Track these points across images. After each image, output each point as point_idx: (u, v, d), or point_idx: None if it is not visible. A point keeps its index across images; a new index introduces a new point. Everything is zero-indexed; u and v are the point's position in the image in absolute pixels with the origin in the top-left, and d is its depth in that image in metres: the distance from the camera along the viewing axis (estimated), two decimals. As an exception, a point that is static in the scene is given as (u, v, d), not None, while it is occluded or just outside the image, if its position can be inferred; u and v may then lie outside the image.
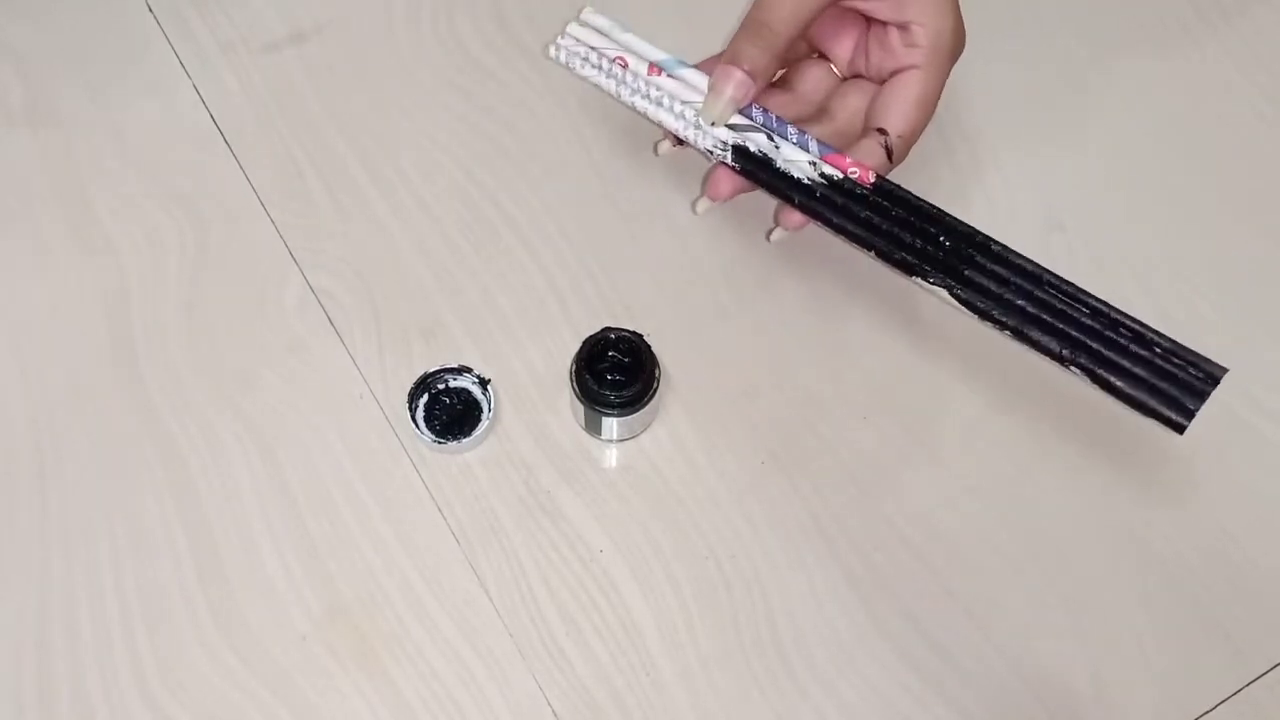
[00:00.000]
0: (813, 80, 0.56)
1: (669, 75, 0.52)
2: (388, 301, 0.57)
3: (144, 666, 0.51)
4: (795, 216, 0.53)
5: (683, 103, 0.52)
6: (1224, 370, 0.47)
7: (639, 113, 0.53)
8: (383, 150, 0.60)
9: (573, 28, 0.54)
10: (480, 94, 0.61)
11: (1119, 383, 0.47)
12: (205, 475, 0.54)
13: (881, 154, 0.52)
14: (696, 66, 0.53)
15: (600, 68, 0.53)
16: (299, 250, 0.58)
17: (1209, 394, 0.46)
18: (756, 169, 0.51)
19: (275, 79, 0.61)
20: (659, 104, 0.52)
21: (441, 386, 0.55)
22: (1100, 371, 0.47)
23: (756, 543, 0.54)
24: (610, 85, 0.53)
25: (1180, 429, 0.47)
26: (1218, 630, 0.53)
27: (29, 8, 0.62)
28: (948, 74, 0.53)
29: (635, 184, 0.59)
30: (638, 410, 0.52)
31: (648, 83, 0.52)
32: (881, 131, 0.52)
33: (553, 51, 0.54)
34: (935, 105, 0.53)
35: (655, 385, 0.52)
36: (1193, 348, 0.47)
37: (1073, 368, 0.47)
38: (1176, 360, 0.47)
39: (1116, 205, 0.60)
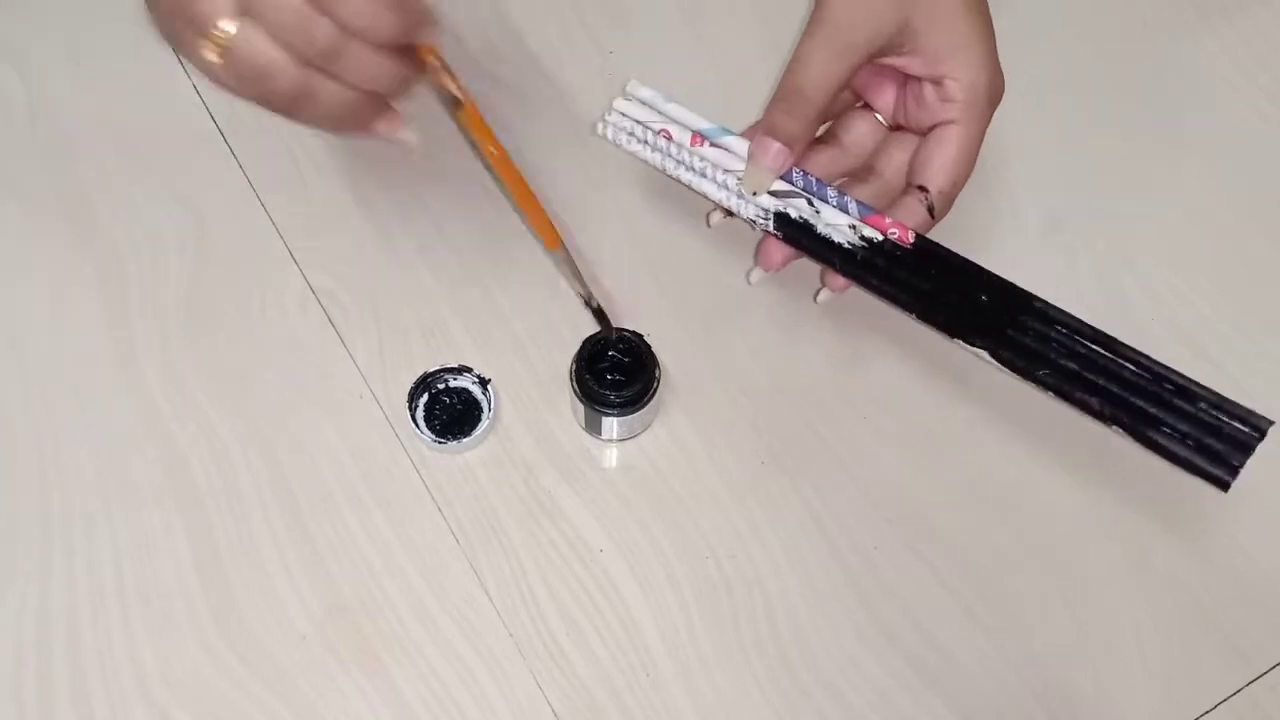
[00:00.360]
0: (858, 132, 0.55)
1: (712, 144, 0.52)
2: (388, 301, 0.57)
3: (144, 666, 0.51)
4: (839, 279, 0.53)
5: (725, 171, 0.52)
6: (1270, 423, 0.46)
7: (684, 184, 0.53)
8: (383, 149, 0.59)
9: (619, 102, 0.54)
10: (480, 95, 0.61)
11: (1161, 441, 0.46)
12: (205, 475, 0.54)
13: (923, 212, 0.52)
14: (742, 134, 0.53)
15: (646, 142, 0.53)
16: (299, 250, 0.58)
17: (1254, 448, 0.45)
18: (799, 235, 0.51)
19: (275, 79, 0.61)
20: (702, 175, 0.52)
21: (441, 386, 0.55)
22: (1143, 430, 0.47)
23: (756, 543, 0.54)
24: (656, 159, 0.53)
25: (1225, 486, 0.46)
26: (1218, 630, 0.53)
27: (29, 8, 0.62)
28: (987, 124, 0.52)
29: (635, 183, 0.59)
30: (638, 410, 0.52)
31: (691, 153, 0.52)
32: (922, 189, 0.52)
33: (600, 129, 0.54)
34: (975, 157, 0.52)
35: (655, 385, 0.52)
36: (1237, 400, 0.46)
37: (1114, 426, 0.47)
38: (1221, 414, 0.46)
39: (1116, 205, 0.60)
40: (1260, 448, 0.55)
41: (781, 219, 0.52)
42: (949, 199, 0.52)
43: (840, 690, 0.51)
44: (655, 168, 0.53)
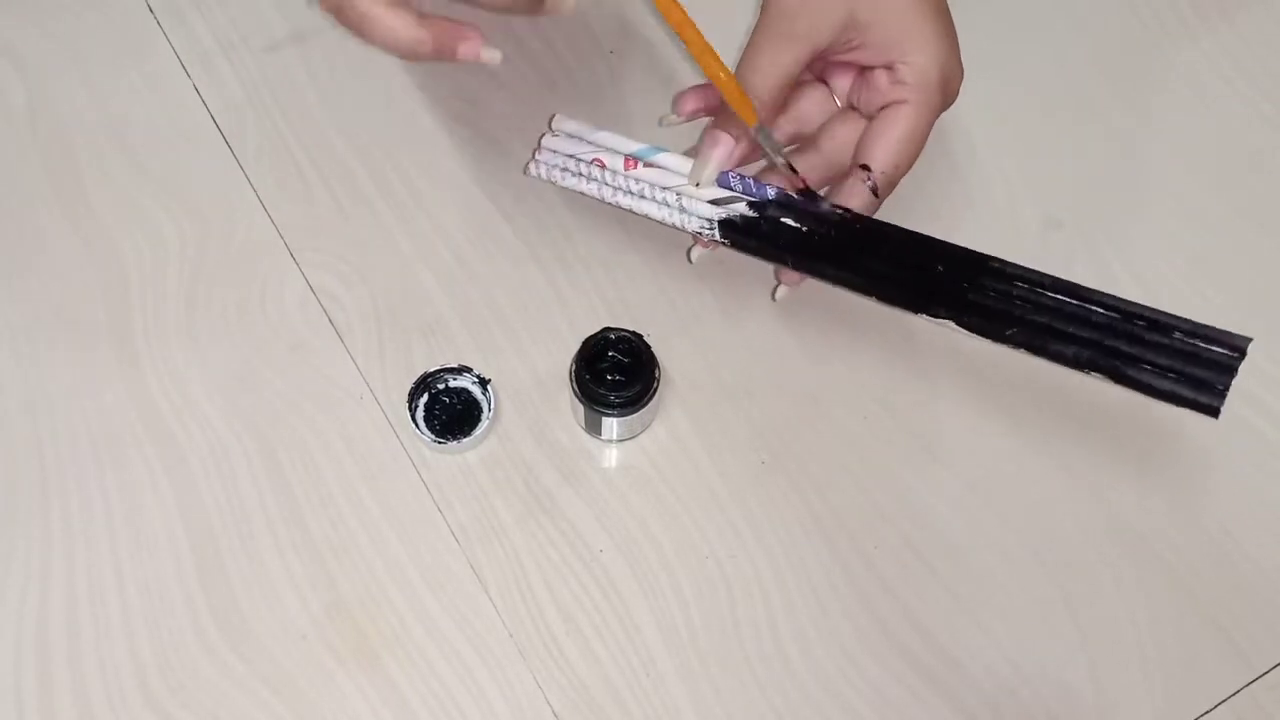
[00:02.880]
0: (808, 102, 0.55)
1: (646, 164, 0.52)
2: (388, 301, 0.57)
3: (145, 666, 0.51)
4: (793, 274, 0.53)
5: (664, 189, 0.52)
6: (1248, 340, 0.45)
7: (625, 210, 0.53)
8: (383, 149, 0.60)
9: (547, 139, 0.55)
10: (481, 94, 0.61)
11: (1142, 378, 0.46)
12: (206, 475, 0.54)
13: (866, 192, 0.52)
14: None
15: (580, 174, 0.53)
16: (299, 250, 0.58)
17: (1236, 369, 0.45)
18: (745, 239, 0.52)
19: (276, 78, 0.61)
20: (641, 196, 0.52)
21: (441, 386, 0.55)
22: (1122, 370, 0.46)
23: (756, 543, 0.54)
24: (593, 189, 0.53)
25: (1214, 412, 0.45)
26: (1218, 630, 0.53)
27: (29, 8, 0.62)
28: (938, 110, 0.52)
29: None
30: (638, 410, 0.52)
31: (627, 177, 0.52)
32: (865, 168, 0.52)
33: (532, 169, 0.55)
34: (923, 141, 0.52)
35: (655, 385, 0.52)
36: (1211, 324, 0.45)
37: (1092, 372, 0.47)
38: (1198, 341, 0.45)
39: (1116, 204, 0.60)
40: (1261, 448, 0.55)
41: (726, 225, 0.52)
42: (892, 180, 0.52)
43: (840, 690, 0.51)
44: (593, 198, 0.53)
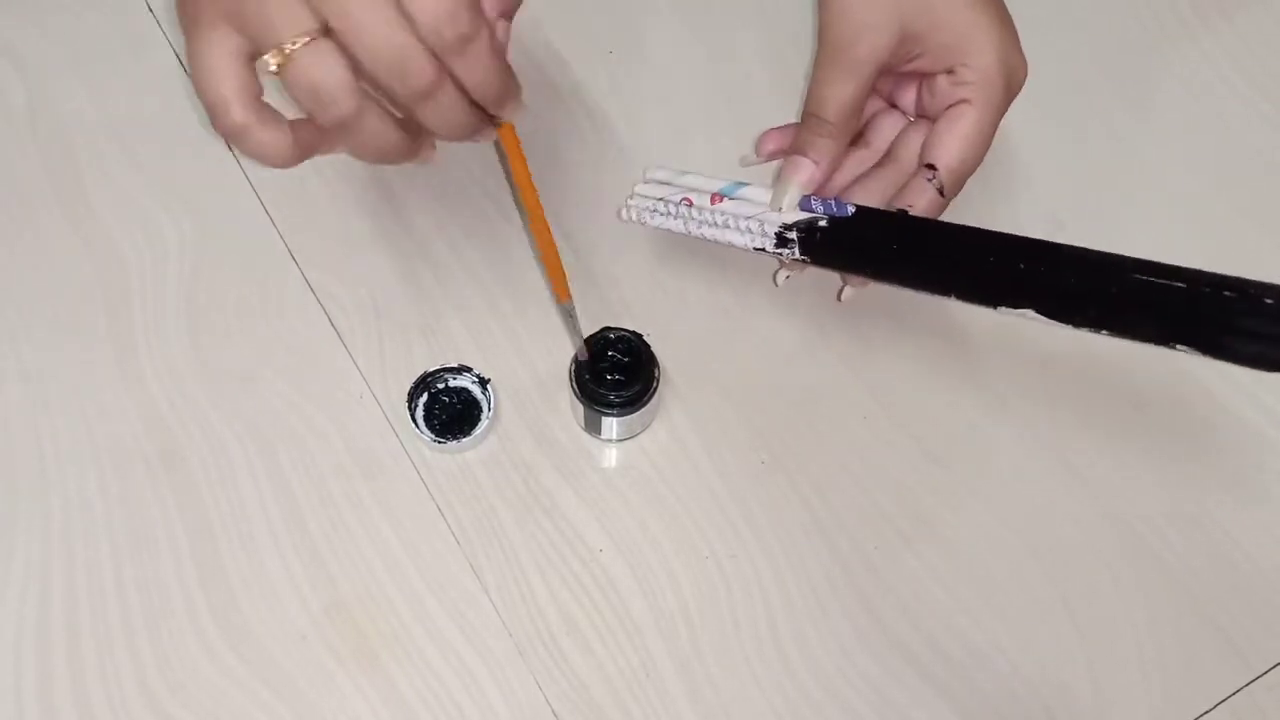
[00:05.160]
0: (885, 131, 0.56)
1: (730, 199, 0.53)
2: (388, 301, 0.57)
3: (144, 666, 0.51)
4: (859, 277, 0.53)
5: (746, 218, 0.52)
6: None
7: (711, 242, 0.54)
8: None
9: (639, 187, 0.56)
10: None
11: (1235, 345, 0.44)
12: (206, 474, 0.54)
13: (932, 191, 0.51)
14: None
15: (669, 214, 0.54)
16: (299, 250, 0.58)
17: None
18: (826, 255, 0.51)
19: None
20: (725, 227, 0.53)
21: (441, 386, 0.55)
22: (1212, 339, 0.44)
23: (756, 543, 0.54)
24: (680, 225, 0.54)
25: None
26: (1218, 630, 0.53)
27: (29, 8, 0.62)
28: (1002, 107, 0.52)
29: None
30: (638, 410, 0.52)
31: (713, 212, 0.53)
32: (930, 168, 0.51)
33: (624, 214, 0.56)
34: (989, 138, 0.52)
35: (655, 385, 0.52)
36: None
37: (1180, 346, 0.45)
38: None
39: (1116, 204, 0.60)
40: (1262, 448, 0.55)
41: (807, 244, 0.51)
42: (958, 178, 0.52)
43: (840, 690, 0.52)
44: (679, 233, 0.54)
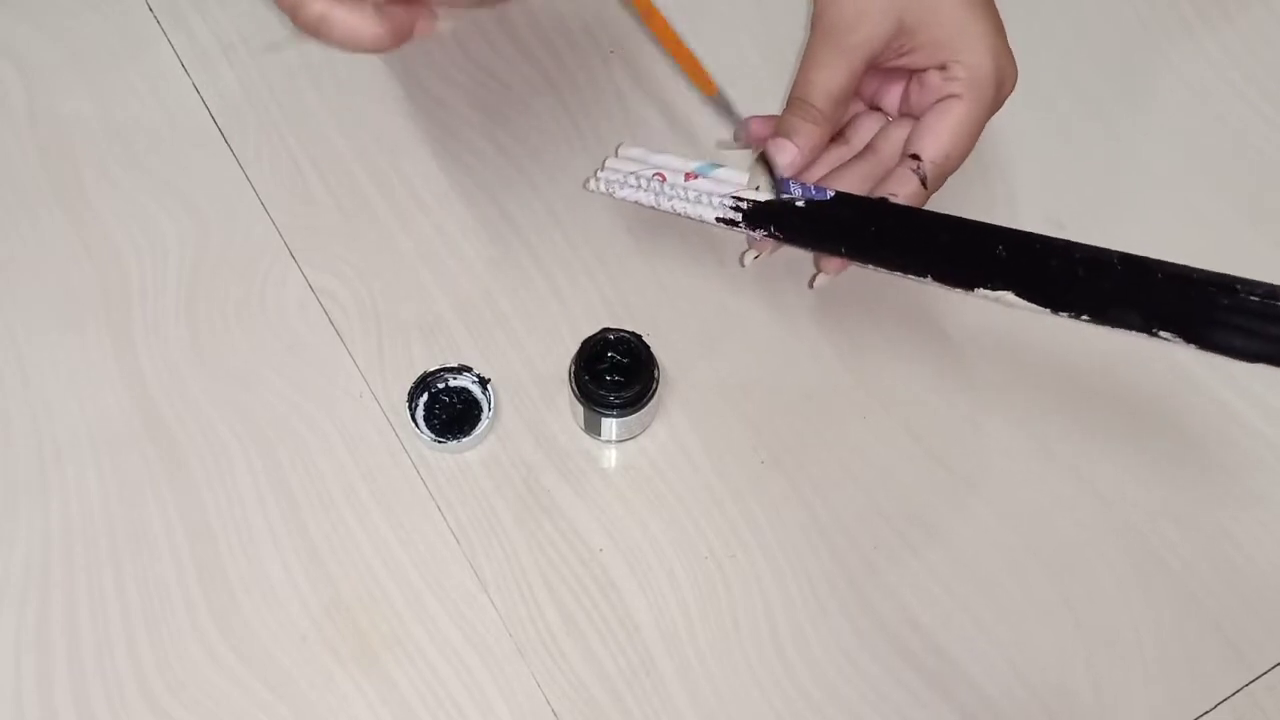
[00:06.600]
0: (865, 130, 0.56)
1: (704, 178, 0.53)
2: (388, 301, 0.57)
3: (144, 666, 0.51)
4: (834, 261, 0.53)
5: (720, 196, 0.53)
6: None
7: (680, 215, 0.53)
8: (383, 149, 0.60)
9: (610, 161, 0.56)
10: (481, 94, 0.61)
11: (1224, 339, 0.44)
12: (205, 475, 0.54)
13: (915, 180, 0.51)
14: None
15: (639, 186, 0.54)
16: (299, 250, 0.58)
17: None
18: (798, 234, 0.52)
19: (276, 78, 0.61)
20: (697, 202, 0.53)
21: (441, 386, 0.55)
22: (1198, 331, 0.44)
23: (756, 543, 0.54)
24: (649, 198, 0.54)
25: None
26: (1217, 630, 0.53)
27: (29, 8, 0.62)
28: (991, 106, 0.52)
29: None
30: (637, 411, 0.52)
31: (685, 187, 0.53)
32: (914, 158, 0.51)
33: (591, 184, 0.56)
34: (975, 135, 0.52)
35: (655, 386, 0.52)
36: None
37: (1163, 333, 0.45)
38: (1276, 301, 0.44)
39: (1116, 204, 0.60)
40: (1262, 448, 0.55)
41: (779, 221, 0.52)
42: (942, 171, 0.52)
43: (840, 690, 0.52)
44: (647, 206, 0.54)
